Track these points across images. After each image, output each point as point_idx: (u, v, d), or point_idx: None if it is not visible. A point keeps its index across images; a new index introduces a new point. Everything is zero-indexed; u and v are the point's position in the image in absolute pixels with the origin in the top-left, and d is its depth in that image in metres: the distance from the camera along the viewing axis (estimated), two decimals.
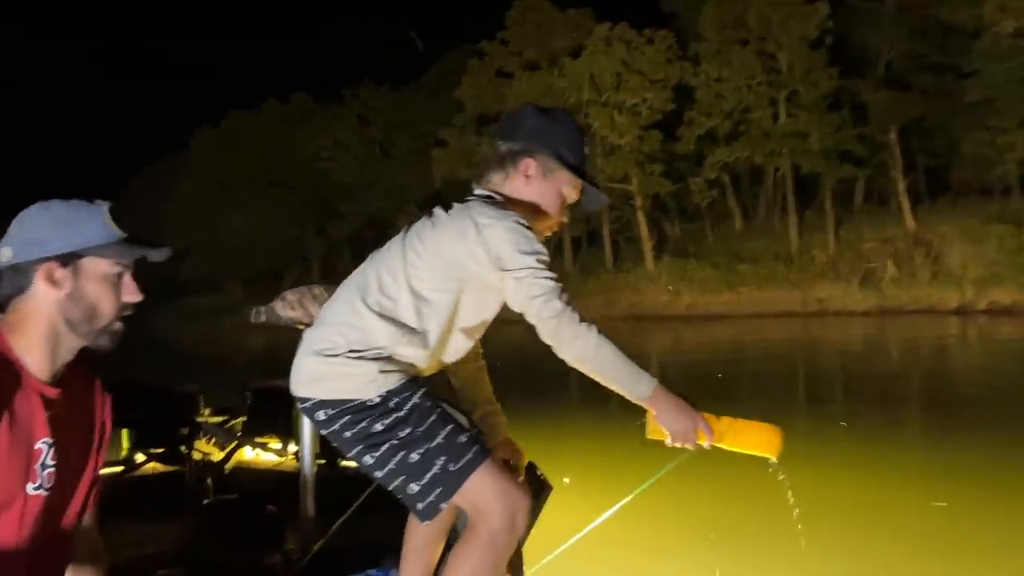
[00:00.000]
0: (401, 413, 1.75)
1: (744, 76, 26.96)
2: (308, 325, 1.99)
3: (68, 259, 1.45)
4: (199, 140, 47.48)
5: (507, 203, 1.89)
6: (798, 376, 13.56)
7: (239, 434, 3.03)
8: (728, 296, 25.12)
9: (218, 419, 3.11)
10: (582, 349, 1.68)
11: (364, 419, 1.75)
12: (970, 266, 21.87)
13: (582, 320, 1.69)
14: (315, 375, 1.80)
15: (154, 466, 2.86)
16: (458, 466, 1.72)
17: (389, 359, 1.78)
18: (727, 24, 27.33)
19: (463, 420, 1.92)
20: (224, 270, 48.49)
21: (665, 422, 1.74)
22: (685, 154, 30.12)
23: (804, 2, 27.12)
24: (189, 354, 25.11)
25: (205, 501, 2.69)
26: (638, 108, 30.38)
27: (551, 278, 1.71)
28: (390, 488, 1.77)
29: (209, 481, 2.75)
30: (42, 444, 1.40)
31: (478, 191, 1.95)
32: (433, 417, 1.75)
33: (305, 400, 1.81)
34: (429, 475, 1.72)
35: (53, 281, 1.44)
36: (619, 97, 30.32)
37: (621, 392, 1.71)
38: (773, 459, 1.82)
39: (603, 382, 1.72)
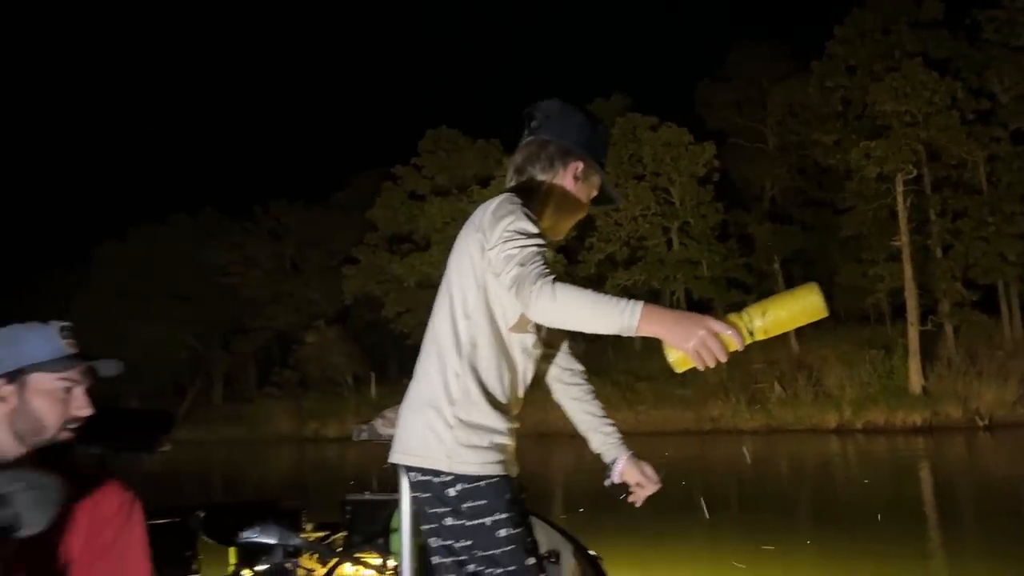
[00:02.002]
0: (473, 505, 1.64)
1: (640, 207, 28.81)
2: None
3: (13, 376, 1.51)
4: (101, 252, 46.65)
5: (541, 195, 1.83)
6: (697, 492, 14.22)
7: (339, 550, 3.04)
8: (627, 414, 25.96)
9: (320, 534, 3.12)
10: (544, 308, 1.50)
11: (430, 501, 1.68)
12: (847, 388, 23.46)
13: (541, 277, 1.52)
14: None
15: None
16: None
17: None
18: (623, 160, 29.34)
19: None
20: (124, 386, 46.78)
21: (673, 341, 1.48)
22: (587, 276, 31.51)
23: (692, 142, 29.41)
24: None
25: None
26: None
27: (520, 246, 1.58)
28: None
29: None
30: None
31: (511, 184, 1.88)
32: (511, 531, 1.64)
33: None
34: None
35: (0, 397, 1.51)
36: None
37: (611, 330, 1.48)
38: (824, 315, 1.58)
39: (588, 328, 1.51)
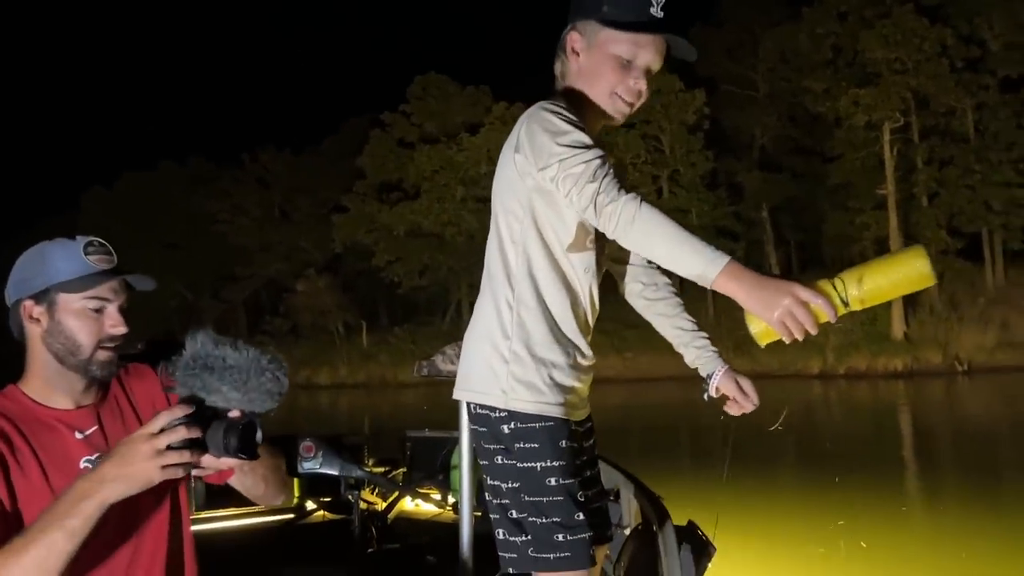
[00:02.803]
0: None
1: (630, 155, 28.83)
2: None
3: (42, 296, 1.48)
4: (89, 200, 46.36)
5: (565, 95, 1.65)
6: (683, 435, 14.60)
7: (400, 484, 3.07)
8: (615, 360, 26.36)
9: (381, 469, 3.16)
10: (624, 229, 1.39)
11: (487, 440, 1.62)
12: (831, 334, 23.89)
13: (617, 195, 1.40)
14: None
15: (323, 514, 2.92)
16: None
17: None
18: None
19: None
20: None
21: (753, 308, 1.34)
22: None
23: (683, 89, 29.32)
24: None
25: (370, 550, 2.74)
26: None
27: (583, 161, 1.44)
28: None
29: (373, 531, 2.80)
30: (85, 463, 1.47)
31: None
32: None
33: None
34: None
35: (33, 318, 1.49)
36: None
37: (686, 273, 1.37)
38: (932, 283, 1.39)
39: (662, 263, 1.42)
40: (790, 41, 29.28)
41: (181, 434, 1.31)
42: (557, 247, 1.60)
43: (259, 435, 1.41)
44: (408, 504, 3.10)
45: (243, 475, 1.62)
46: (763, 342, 1.43)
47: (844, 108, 25.12)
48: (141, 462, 1.30)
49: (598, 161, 1.44)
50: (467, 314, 33.27)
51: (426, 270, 34.56)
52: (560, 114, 1.51)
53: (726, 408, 1.80)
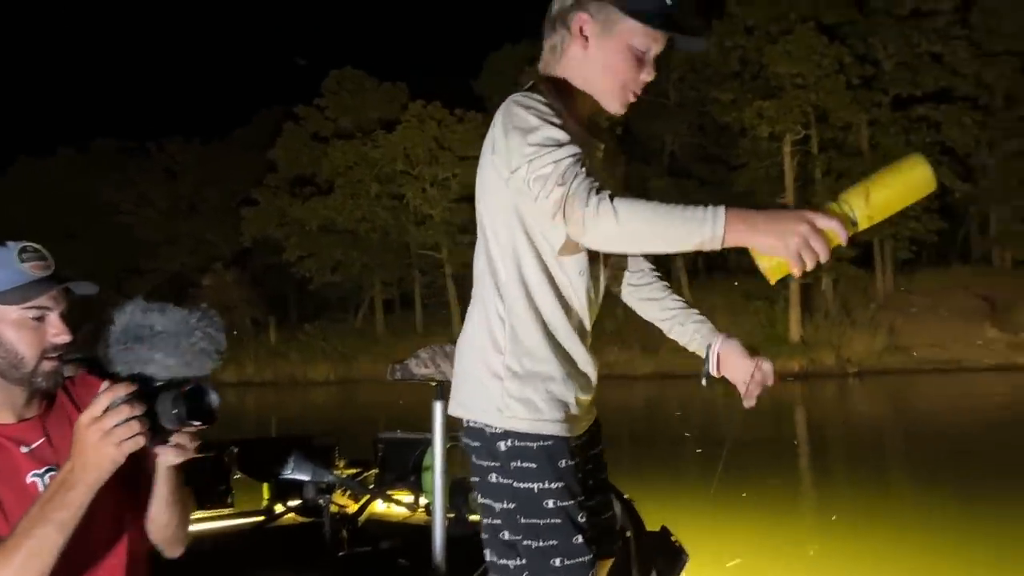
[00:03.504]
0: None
1: None
2: (440, 383, 2.01)
3: None
4: None
5: (559, 85, 1.51)
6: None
7: (371, 487, 3.03)
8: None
9: (352, 471, 3.07)
10: (606, 232, 1.29)
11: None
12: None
13: (586, 198, 1.29)
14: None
15: (292, 517, 2.86)
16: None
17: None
18: None
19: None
20: None
21: (769, 246, 1.25)
22: None
23: None
24: None
25: (341, 554, 2.70)
26: (449, 182, 31.97)
27: (553, 161, 1.33)
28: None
29: (344, 534, 2.75)
30: (33, 477, 1.42)
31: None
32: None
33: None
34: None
35: None
36: (431, 171, 31.83)
37: (692, 246, 1.27)
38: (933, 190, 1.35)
39: (661, 248, 1.31)
40: (700, 52, 30.23)
41: (125, 413, 1.29)
42: (548, 251, 1.49)
43: (213, 397, 1.38)
44: (380, 507, 3.07)
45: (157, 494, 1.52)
46: (775, 277, 1.34)
47: (749, 119, 26.13)
48: (94, 447, 1.28)
49: (569, 160, 1.33)
50: (380, 311, 33.20)
51: (339, 266, 34.23)
52: (532, 108, 1.39)
53: (744, 398, 1.62)
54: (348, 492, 2.95)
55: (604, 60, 1.51)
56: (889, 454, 11.68)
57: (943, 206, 27.69)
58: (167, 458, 1.44)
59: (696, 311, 1.75)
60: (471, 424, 1.52)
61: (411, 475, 2.89)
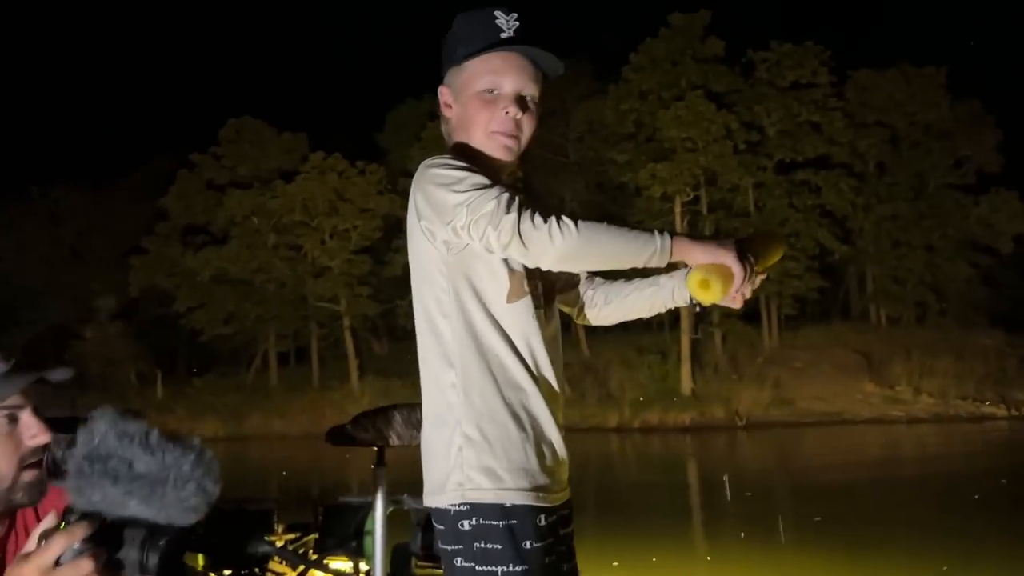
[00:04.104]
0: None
1: None
2: (381, 447, 1.98)
3: None
4: None
5: (458, 148, 1.55)
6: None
7: (311, 553, 2.92)
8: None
9: (291, 535, 3.00)
10: (568, 249, 1.32)
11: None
12: (627, 390, 25.40)
13: (541, 217, 1.32)
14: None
15: None
16: None
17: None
18: None
19: None
20: None
21: (717, 257, 1.36)
22: (393, 278, 31.79)
23: None
24: None
25: None
26: (348, 233, 31.73)
27: (490, 198, 1.33)
28: None
29: None
30: None
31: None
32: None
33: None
34: None
35: None
36: (330, 222, 31.54)
37: (642, 258, 1.34)
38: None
39: (611, 263, 1.38)
40: (597, 114, 31.30)
41: (85, 570, 1.01)
42: (496, 303, 1.44)
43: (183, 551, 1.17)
44: (319, 574, 2.98)
45: None
46: (712, 299, 1.40)
47: (643, 180, 27.14)
48: None
49: (507, 195, 1.34)
50: (274, 365, 32.09)
51: (231, 318, 33.24)
52: (448, 164, 1.42)
53: (732, 303, 1.51)
54: (284, 560, 2.87)
55: (465, 116, 1.53)
56: (777, 501, 12.08)
57: (824, 265, 29.33)
58: None
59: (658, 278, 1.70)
60: (437, 508, 1.44)
61: (352, 540, 2.81)
